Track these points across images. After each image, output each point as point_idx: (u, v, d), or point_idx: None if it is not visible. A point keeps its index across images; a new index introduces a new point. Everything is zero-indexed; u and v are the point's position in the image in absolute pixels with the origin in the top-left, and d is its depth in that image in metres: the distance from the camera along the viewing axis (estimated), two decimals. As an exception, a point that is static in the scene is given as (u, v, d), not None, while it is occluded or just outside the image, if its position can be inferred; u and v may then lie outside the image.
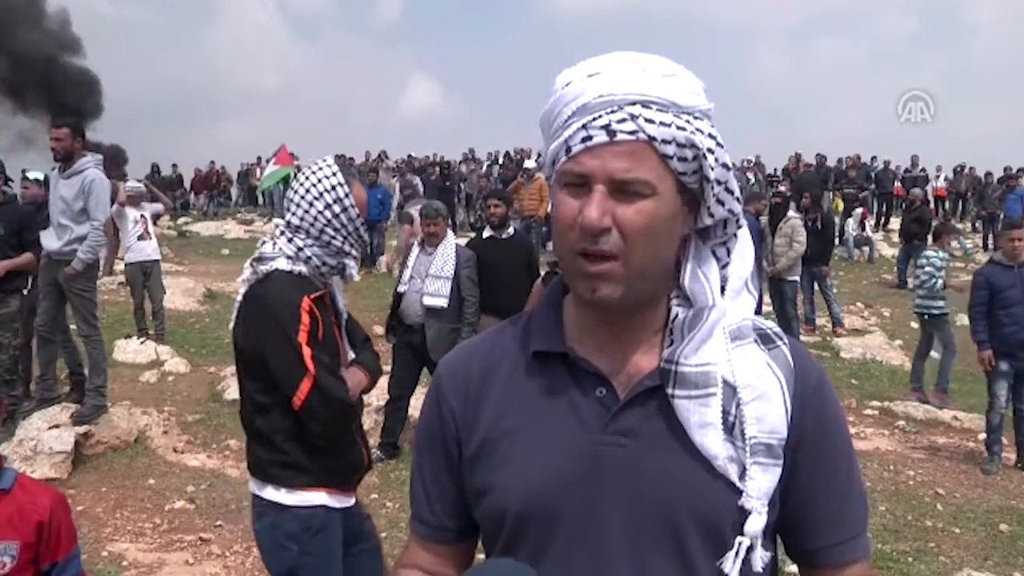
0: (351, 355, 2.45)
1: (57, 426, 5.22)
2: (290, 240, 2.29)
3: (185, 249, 16.89)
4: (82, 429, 5.29)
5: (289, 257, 2.27)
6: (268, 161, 15.22)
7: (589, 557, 0.97)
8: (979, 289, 5.82)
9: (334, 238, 2.27)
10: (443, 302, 5.32)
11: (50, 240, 5.46)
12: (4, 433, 5.12)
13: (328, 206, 2.24)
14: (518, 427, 1.02)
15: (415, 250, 5.56)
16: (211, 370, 7.66)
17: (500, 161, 22.71)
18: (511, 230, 6.26)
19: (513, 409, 1.03)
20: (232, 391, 6.81)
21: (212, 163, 26.09)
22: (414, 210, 9.72)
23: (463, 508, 1.09)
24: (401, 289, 5.46)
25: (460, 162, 22.75)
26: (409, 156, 23.01)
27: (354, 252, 2.36)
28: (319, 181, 2.26)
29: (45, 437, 5.06)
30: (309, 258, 2.28)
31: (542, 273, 5.54)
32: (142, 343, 8.04)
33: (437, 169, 20.02)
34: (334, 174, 2.26)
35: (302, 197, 2.27)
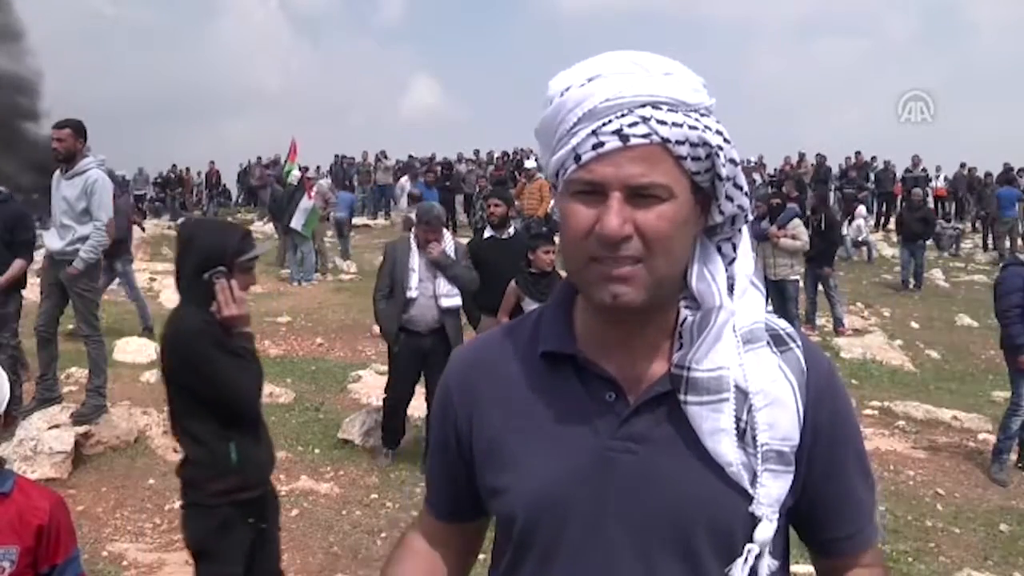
0: None
1: (57, 426, 5.21)
2: None
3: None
4: (82, 429, 5.28)
5: None
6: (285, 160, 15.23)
7: (598, 562, 0.97)
8: (1014, 292, 5.47)
9: None
10: (459, 300, 5.38)
11: (53, 240, 5.47)
12: (4, 433, 5.11)
13: None
14: (525, 429, 1.01)
15: (414, 253, 5.44)
16: (211, 370, 7.63)
17: (493, 162, 22.67)
18: (511, 230, 6.24)
19: (521, 410, 1.02)
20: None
21: (212, 163, 26.15)
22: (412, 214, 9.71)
23: (460, 495, 1.12)
24: (412, 295, 5.29)
25: (457, 162, 22.71)
26: (409, 156, 22.98)
27: None
28: None
29: (45, 437, 5.05)
30: None
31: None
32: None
33: (438, 168, 19.99)
34: None
35: None
